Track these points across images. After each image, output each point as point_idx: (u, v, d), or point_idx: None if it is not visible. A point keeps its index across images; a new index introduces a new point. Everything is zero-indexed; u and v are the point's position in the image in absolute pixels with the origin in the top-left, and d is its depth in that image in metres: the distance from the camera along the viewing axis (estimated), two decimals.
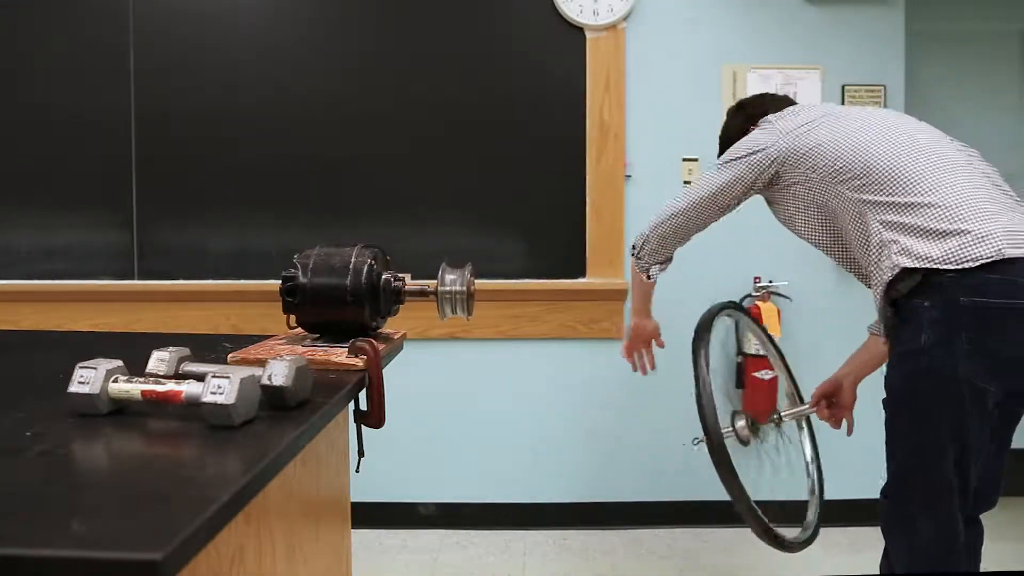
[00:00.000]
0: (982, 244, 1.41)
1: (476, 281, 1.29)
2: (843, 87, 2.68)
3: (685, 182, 2.69)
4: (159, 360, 1.00)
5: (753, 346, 2.61)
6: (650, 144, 2.69)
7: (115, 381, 0.90)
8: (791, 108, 1.81)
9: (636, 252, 1.91)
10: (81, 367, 0.90)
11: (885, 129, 1.63)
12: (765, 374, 2.58)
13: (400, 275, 1.25)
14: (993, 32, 2.96)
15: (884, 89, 2.68)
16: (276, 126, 2.67)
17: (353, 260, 1.19)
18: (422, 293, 1.27)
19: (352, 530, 1.43)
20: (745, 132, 1.84)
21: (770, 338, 2.24)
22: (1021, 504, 2.92)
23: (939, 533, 1.48)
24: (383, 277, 1.22)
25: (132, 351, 1.07)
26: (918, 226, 1.48)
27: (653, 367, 2.12)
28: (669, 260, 1.91)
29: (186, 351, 1.03)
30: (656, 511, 2.75)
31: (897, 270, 1.48)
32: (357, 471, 1.23)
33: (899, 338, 1.51)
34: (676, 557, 2.54)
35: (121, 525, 0.62)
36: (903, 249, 1.48)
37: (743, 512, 1.79)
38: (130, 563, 0.55)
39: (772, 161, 1.71)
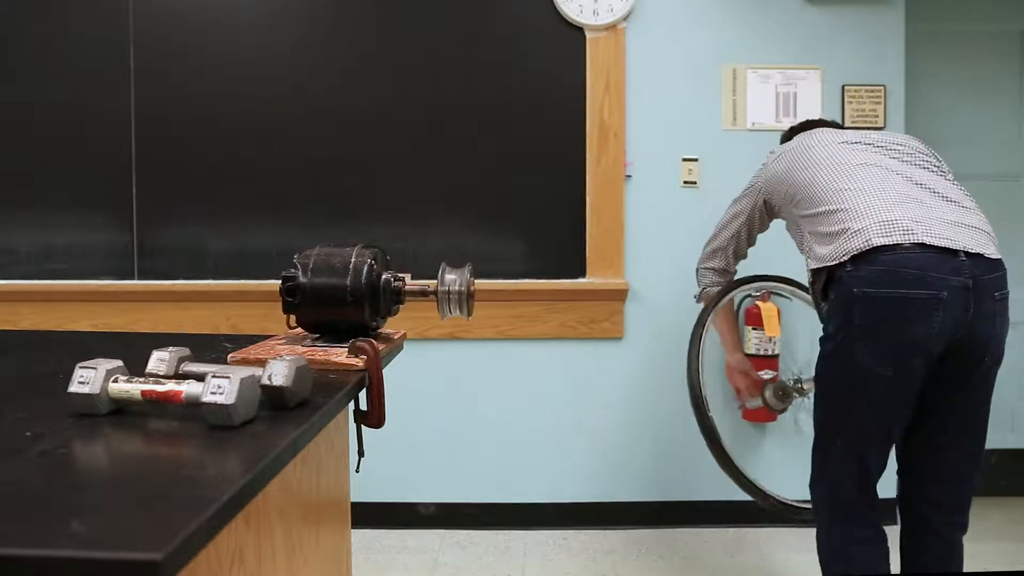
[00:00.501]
0: (855, 238, 1.57)
1: (476, 281, 1.29)
2: (843, 87, 2.68)
3: (685, 182, 2.69)
4: (159, 360, 1.00)
5: (752, 346, 2.61)
6: (650, 144, 2.69)
7: (115, 381, 0.90)
8: (795, 137, 1.99)
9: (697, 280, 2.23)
10: (81, 367, 0.90)
11: (815, 152, 1.81)
12: (766, 374, 2.58)
13: (400, 275, 1.25)
14: (993, 32, 2.96)
15: (884, 89, 2.68)
16: (276, 126, 2.67)
17: (353, 260, 1.19)
18: (422, 293, 1.27)
19: (352, 530, 1.43)
20: None
21: (803, 289, 2.34)
22: (1021, 504, 2.92)
23: (834, 498, 1.65)
24: (383, 277, 1.22)
25: (132, 351, 1.07)
26: (820, 232, 1.68)
27: (742, 404, 2.37)
28: (714, 284, 2.18)
29: (186, 351, 1.03)
30: (656, 511, 2.75)
31: (809, 273, 1.72)
32: (357, 471, 1.23)
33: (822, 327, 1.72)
34: (676, 557, 2.54)
35: (121, 525, 0.61)
36: (812, 253, 1.70)
37: (734, 479, 1.99)
38: (130, 563, 0.55)
39: (758, 192, 1.99)
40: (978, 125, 2.97)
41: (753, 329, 2.61)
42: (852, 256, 1.56)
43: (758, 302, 2.58)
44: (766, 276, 2.34)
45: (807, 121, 2.14)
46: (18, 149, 2.68)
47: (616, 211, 2.67)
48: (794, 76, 2.69)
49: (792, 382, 2.28)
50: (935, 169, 1.74)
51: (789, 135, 2.12)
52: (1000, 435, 3.02)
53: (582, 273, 2.69)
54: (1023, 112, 2.98)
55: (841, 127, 2.10)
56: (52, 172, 2.68)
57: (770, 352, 2.60)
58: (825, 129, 1.97)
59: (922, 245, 1.52)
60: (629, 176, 2.68)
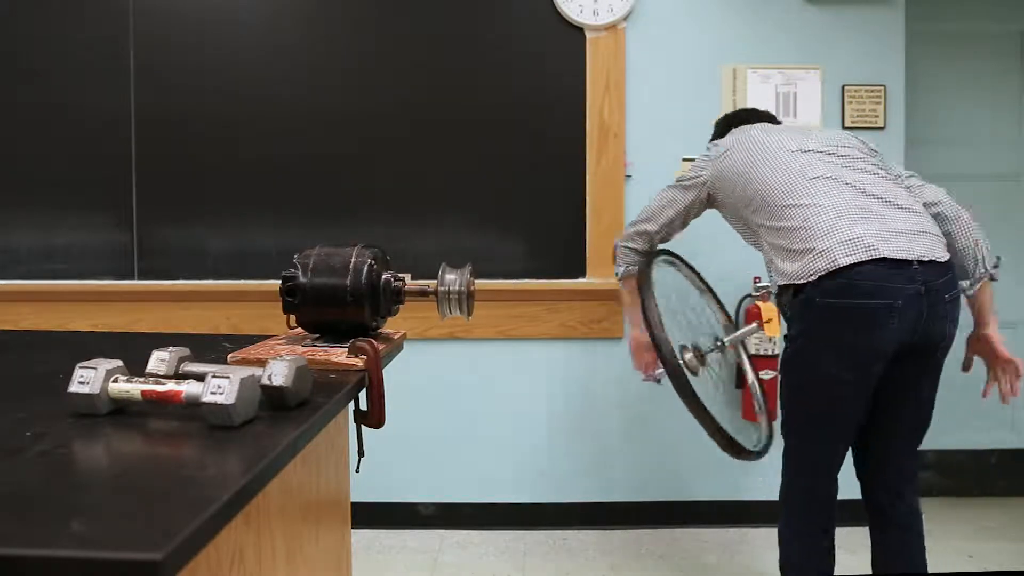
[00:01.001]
0: (821, 259, 1.65)
1: (476, 281, 1.29)
2: (843, 87, 2.68)
3: None
4: (159, 360, 1.00)
5: (754, 346, 2.61)
6: (650, 144, 2.69)
7: (115, 381, 0.90)
8: (735, 130, 2.03)
9: (613, 260, 2.23)
10: (81, 367, 0.90)
11: (768, 158, 1.85)
12: (766, 374, 2.58)
13: (400, 275, 1.25)
14: (993, 32, 2.96)
15: (884, 89, 2.68)
16: (276, 126, 2.67)
17: (353, 260, 1.19)
18: (422, 293, 1.28)
19: (352, 530, 1.43)
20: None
21: (698, 275, 2.37)
22: (1021, 504, 2.92)
23: (803, 469, 1.80)
24: (383, 277, 1.22)
25: (132, 351, 1.08)
26: (783, 247, 1.75)
27: (653, 377, 2.28)
28: (634, 264, 2.15)
29: (186, 351, 1.03)
30: (656, 511, 2.75)
31: (775, 287, 1.80)
32: (357, 471, 1.23)
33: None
34: (676, 557, 2.54)
35: (121, 525, 0.61)
36: (776, 268, 1.77)
37: (706, 427, 1.98)
38: (130, 563, 0.55)
39: (703, 185, 2.00)
40: (978, 125, 2.97)
41: None
42: (819, 276, 1.65)
43: (758, 302, 2.58)
44: (670, 251, 2.25)
45: (743, 111, 2.19)
46: (18, 149, 2.68)
47: (616, 211, 2.67)
48: (794, 76, 2.69)
49: (712, 341, 2.28)
50: (883, 173, 1.82)
51: (726, 125, 2.13)
52: (1000, 435, 3.02)
53: (582, 273, 2.69)
54: (1023, 112, 2.99)
55: (776, 121, 2.13)
56: (52, 172, 2.68)
57: (770, 352, 2.59)
58: (766, 127, 2.00)
59: (882, 260, 1.62)
60: (629, 176, 2.68)
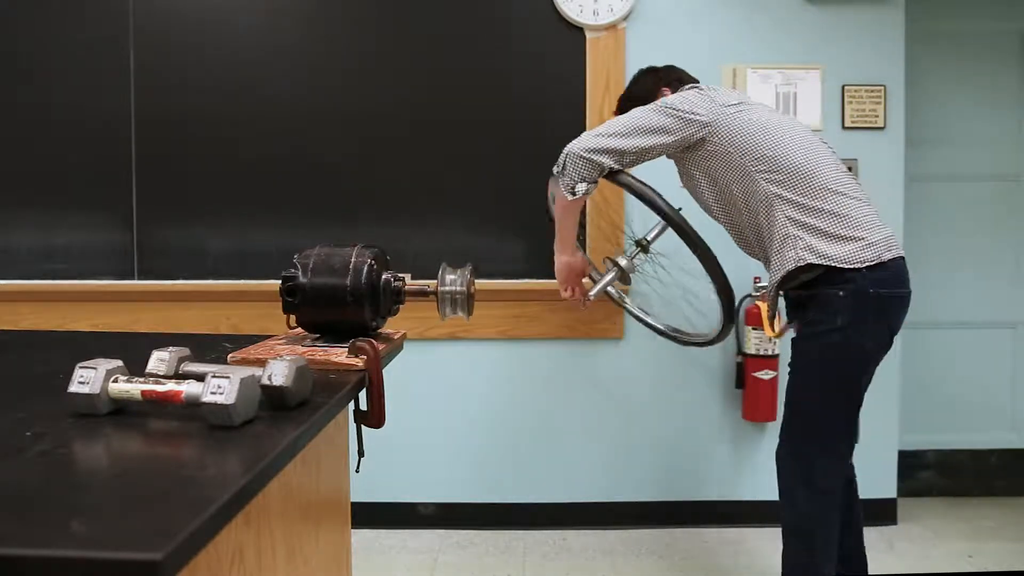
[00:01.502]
0: (869, 250, 1.78)
1: (476, 281, 1.29)
2: (843, 87, 2.68)
3: None
4: (159, 360, 1.00)
5: (753, 346, 2.61)
6: None
7: (115, 381, 0.90)
8: (718, 86, 2.06)
9: (560, 170, 1.88)
10: (81, 367, 0.90)
11: (802, 134, 1.88)
12: (766, 374, 2.58)
13: (400, 275, 1.25)
14: (993, 32, 2.96)
15: (884, 89, 2.68)
16: (276, 126, 2.67)
17: (353, 260, 1.19)
18: (422, 293, 1.28)
19: (352, 530, 1.43)
20: (654, 93, 2.06)
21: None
22: (1021, 504, 2.92)
23: (834, 468, 1.86)
24: (383, 277, 1.22)
25: (132, 351, 1.08)
26: (821, 229, 1.79)
27: (586, 299, 2.27)
28: (595, 182, 1.89)
29: (186, 351, 1.03)
30: (656, 511, 2.75)
31: (802, 263, 1.78)
32: (357, 471, 1.23)
33: (813, 318, 1.83)
34: (676, 557, 2.54)
35: (121, 525, 0.62)
36: (808, 246, 1.78)
37: (714, 277, 2.03)
38: (130, 563, 0.55)
39: (703, 126, 1.85)
40: (978, 125, 2.97)
41: (753, 329, 2.61)
42: (868, 265, 1.78)
43: (758, 302, 2.58)
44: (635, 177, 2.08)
45: (683, 70, 2.13)
46: (18, 149, 2.68)
47: (616, 211, 2.67)
48: (794, 76, 2.68)
49: (633, 247, 2.31)
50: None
51: (668, 79, 2.08)
52: (1000, 435, 3.02)
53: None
54: (1023, 112, 2.98)
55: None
56: (52, 172, 2.68)
57: (770, 352, 2.59)
58: (763, 105, 1.99)
59: (902, 257, 1.84)
60: None
